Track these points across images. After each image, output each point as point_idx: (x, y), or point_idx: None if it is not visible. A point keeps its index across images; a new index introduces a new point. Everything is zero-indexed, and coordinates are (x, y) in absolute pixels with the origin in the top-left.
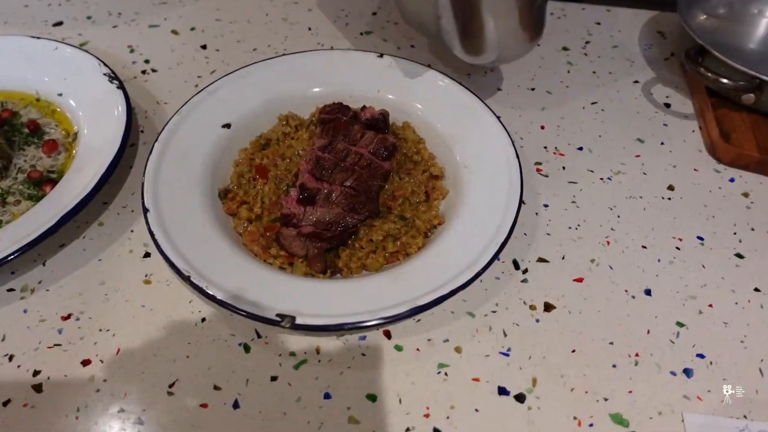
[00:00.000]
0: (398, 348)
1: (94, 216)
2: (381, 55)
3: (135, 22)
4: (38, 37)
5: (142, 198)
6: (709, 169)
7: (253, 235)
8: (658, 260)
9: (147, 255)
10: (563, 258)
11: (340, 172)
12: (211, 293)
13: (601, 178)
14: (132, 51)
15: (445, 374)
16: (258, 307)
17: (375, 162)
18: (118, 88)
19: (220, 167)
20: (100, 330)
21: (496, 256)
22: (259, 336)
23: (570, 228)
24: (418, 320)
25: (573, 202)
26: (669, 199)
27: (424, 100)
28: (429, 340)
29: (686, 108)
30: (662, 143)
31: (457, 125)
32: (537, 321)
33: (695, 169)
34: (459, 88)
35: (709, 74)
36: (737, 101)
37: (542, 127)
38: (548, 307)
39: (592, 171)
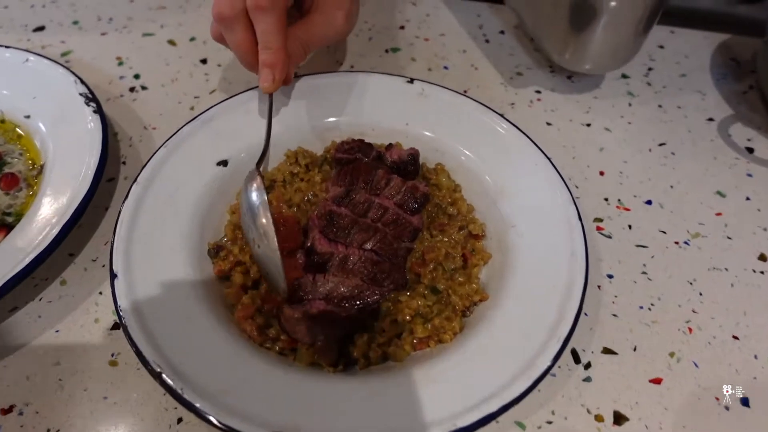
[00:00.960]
0: None
1: (57, 271)
2: (411, 81)
3: (127, 29)
4: (7, 47)
5: (111, 259)
6: None
7: (247, 309)
8: (755, 357)
9: (116, 327)
10: (635, 349)
11: (360, 231)
12: (187, 399)
13: (676, 242)
14: (121, 63)
15: None
16: (247, 422)
17: (402, 217)
18: (95, 112)
19: (212, 215)
20: (48, 430)
21: (558, 356)
22: None
23: (641, 308)
24: None
25: (644, 272)
26: (762, 272)
27: (462, 137)
28: None
29: None
30: (747, 198)
31: (503, 171)
32: None
33: None
34: (504, 123)
35: None
36: None
37: (601, 173)
38: (619, 419)
39: (664, 232)
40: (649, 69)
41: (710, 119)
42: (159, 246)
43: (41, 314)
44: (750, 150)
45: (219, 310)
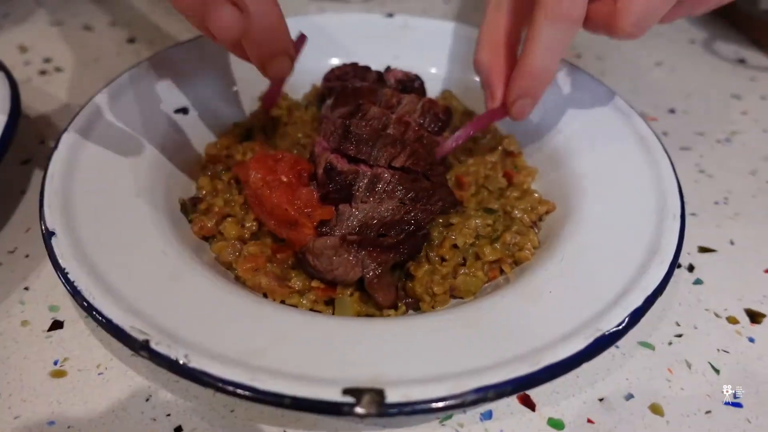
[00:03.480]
0: (556, 425)
1: None
2: (391, 15)
3: (31, 21)
4: None
5: (41, 214)
6: None
7: (256, 260)
8: None
9: (57, 325)
10: (732, 243)
11: (386, 145)
12: (196, 369)
13: (718, 141)
14: (24, 51)
15: None
16: (307, 382)
17: (427, 136)
18: None
19: (176, 168)
20: None
21: (682, 235)
22: None
23: (717, 203)
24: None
25: (701, 171)
26: None
27: (462, 62)
28: (601, 400)
29: (763, 61)
30: (763, 97)
31: None
32: (751, 340)
33: None
34: None
35: None
36: None
37: None
38: (755, 317)
39: (701, 134)
40: None
41: (692, 41)
42: (111, 201)
43: None
44: (741, 61)
45: (214, 270)
